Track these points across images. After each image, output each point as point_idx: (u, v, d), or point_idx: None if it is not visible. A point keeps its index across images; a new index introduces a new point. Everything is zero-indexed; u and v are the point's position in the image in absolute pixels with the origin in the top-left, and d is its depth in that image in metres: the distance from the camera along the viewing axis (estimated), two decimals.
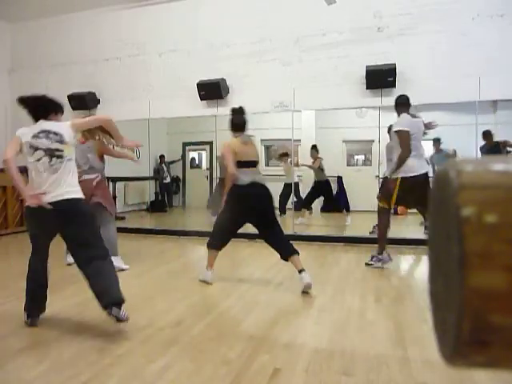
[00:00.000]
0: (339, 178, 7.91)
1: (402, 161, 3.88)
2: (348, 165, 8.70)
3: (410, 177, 3.86)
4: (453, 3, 5.14)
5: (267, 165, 9.24)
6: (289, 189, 6.93)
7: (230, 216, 3.42)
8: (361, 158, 9.05)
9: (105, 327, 2.52)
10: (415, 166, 3.88)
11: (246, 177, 3.27)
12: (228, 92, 6.11)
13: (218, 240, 3.51)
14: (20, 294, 3.18)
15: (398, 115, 4.13)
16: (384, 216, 4.09)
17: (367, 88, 5.36)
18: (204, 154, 9.73)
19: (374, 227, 5.31)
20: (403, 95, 4.27)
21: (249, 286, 3.44)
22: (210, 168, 9.15)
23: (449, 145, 6.69)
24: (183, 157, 9.50)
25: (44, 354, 2.14)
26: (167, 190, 9.22)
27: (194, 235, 5.92)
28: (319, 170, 7.01)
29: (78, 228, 2.42)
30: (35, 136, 2.43)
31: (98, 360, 2.07)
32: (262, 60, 5.97)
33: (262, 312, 2.81)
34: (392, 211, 7.80)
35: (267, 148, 9.45)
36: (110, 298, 2.34)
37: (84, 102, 6.71)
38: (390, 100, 5.38)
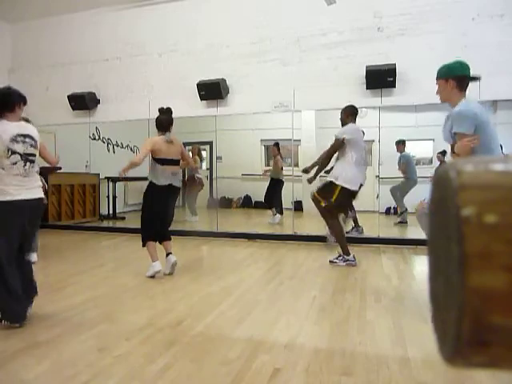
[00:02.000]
0: None
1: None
2: None
3: (350, 189, 4.12)
4: (453, 3, 5.14)
5: (267, 165, 9.24)
6: (276, 185, 7.07)
7: (150, 207, 3.70)
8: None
9: (105, 327, 2.53)
10: (357, 179, 4.14)
11: (164, 179, 3.59)
12: (228, 92, 6.11)
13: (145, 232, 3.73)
14: None
15: (344, 125, 4.27)
16: (334, 222, 4.23)
17: (367, 88, 5.36)
18: (204, 154, 9.73)
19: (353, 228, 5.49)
20: (351, 105, 4.38)
21: (249, 286, 3.44)
22: (210, 168, 9.16)
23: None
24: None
25: (44, 354, 2.14)
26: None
27: (194, 235, 5.93)
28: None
29: (35, 223, 2.72)
30: (13, 140, 2.47)
31: (97, 360, 2.07)
32: (261, 60, 5.97)
33: (261, 312, 2.81)
34: (392, 210, 7.84)
35: (267, 148, 9.45)
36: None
37: (84, 102, 6.72)
38: (390, 100, 5.40)
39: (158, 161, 3.60)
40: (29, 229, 2.60)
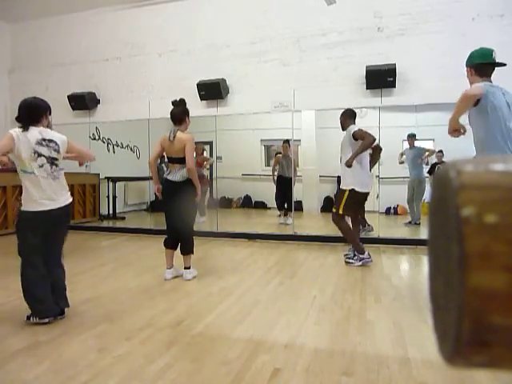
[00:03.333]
0: (339, 178, 7.91)
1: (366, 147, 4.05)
2: None
3: (361, 192, 4.12)
4: (453, 3, 5.14)
5: (267, 165, 9.24)
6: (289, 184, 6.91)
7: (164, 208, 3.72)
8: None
9: (105, 327, 2.53)
10: (367, 184, 4.17)
11: (166, 174, 3.61)
12: (228, 92, 6.11)
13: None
14: (20, 294, 3.18)
15: (345, 129, 4.26)
16: (341, 223, 4.21)
17: (367, 88, 5.36)
18: (204, 154, 9.72)
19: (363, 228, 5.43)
20: (349, 108, 4.39)
21: (249, 286, 3.44)
22: (210, 168, 9.16)
23: (448, 145, 6.69)
24: None
25: (44, 354, 2.14)
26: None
27: (194, 235, 5.92)
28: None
29: (64, 229, 2.77)
30: (38, 143, 2.57)
31: (97, 360, 2.07)
32: (262, 60, 5.97)
33: (261, 312, 2.81)
34: (392, 210, 7.84)
35: (267, 148, 9.45)
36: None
37: (84, 102, 6.72)
38: (390, 100, 5.40)
39: (167, 158, 3.68)
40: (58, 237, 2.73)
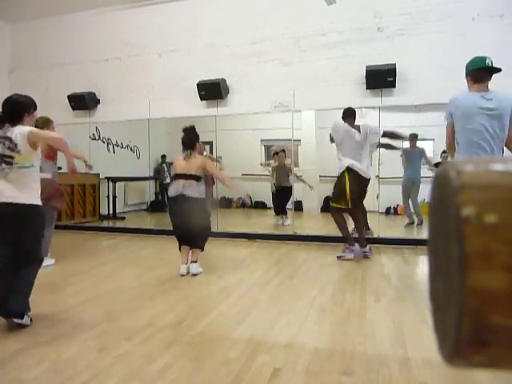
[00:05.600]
0: None
1: None
2: None
3: (360, 174, 4.26)
4: (453, 3, 5.14)
5: (267, 165, 9.24)
6: (288, 193, 6.86)
7: (171, 220, 4.00)
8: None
9: (105, 327, 2.53)
10: (364, 171, 4.31)
11: (174, 191, 3.82)
12: (228, 92, 6.11)
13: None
14: None
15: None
16: (337, 216, 4.40)
17: (367, 88, 5.36)
18: (204, 154, 9.72)
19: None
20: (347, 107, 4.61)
21: (249, 286, 3.44)
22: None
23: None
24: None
25: (44, 354, 2.14)
26: (167, 190, 9.21)
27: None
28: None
29: (19, 231, 2.49)
30: None
31: (97, 360, 2.07)
32: (261, 60, 5.97)
33: (261, 312, 2.81)
34: (392, 210, 7.84)
35: (267, 148, 9.45)
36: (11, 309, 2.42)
37: (84, 102, 6.72)
38: (390, 100, 5.40)
39: (174, 176, 3.97)
40: (14, 237, 2.49)
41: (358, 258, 4.36)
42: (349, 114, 4.51)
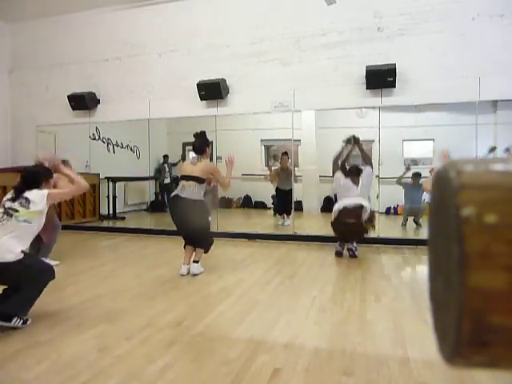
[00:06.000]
0: None
1: None
2: (348, 165, 8.69)
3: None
4: (453, 3, 5.14)
5: (267, 165, 9.24)
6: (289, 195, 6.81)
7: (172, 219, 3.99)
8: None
9: (105, 327, 2.53)
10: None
11: (175, 191, 3.85)
12: (228, 92, 6.11)
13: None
14: None
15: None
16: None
17: (367, 88, 5.36)
18: None
19: None
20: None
21: (249, 286, 3.44)
22: None
23: (448, 145, 6.69)
24: (183, 157, 9.50)
25: (44, 354, 2.14)
26: (167, 190, 9.21)
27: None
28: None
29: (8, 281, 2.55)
30: (9, 199, 2.64)
31: (97, 360, 2.07)
32: (261, 60, 5.97)
33: (261, 312, 2.81)
34: (392, 210, 7.84)
35: (267, 148, 9.45)
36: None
37: (84, 102, 6.71)
38: (390, 100, 5.40)
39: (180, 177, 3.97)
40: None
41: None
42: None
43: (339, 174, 4.72)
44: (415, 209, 6.46)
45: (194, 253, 3.86)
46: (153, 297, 3.16)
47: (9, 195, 2.69)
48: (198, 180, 3.82)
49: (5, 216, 2.58)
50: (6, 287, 2.58)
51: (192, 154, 4.02)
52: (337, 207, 4.51)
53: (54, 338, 2.34)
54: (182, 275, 3.76)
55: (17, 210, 2.58)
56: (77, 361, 2.07)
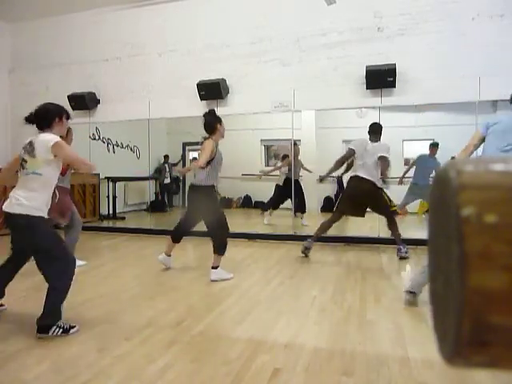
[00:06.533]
0: (339, 178, 7.90)
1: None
2: (348, 165, 8.69)
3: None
4: (453, 3, 5.14)
5: (267, 165, 9.24)
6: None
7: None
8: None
9: (105, 327, 2.53)
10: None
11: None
12: (228, 92, 6.11)
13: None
14: (20, 294, 3.18)
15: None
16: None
17: (367, 88, 5.36)
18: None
19: None
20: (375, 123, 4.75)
21: (249, 286, 3.44)
22: None
23: (448, 145, 6.69)
24: (183, 157, 9.51)
25: (44, 354, 2.14)
26: (167, 190, 9.22)
27: (194, 235, 5.92)
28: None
29: (27, 243, 2.48)
30: (23, 148, 2.53)
31: (97, 360, 2.07)
32: (261, 60, 5.97)
33: (261, 312, 2.81)
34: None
35: (267, 148, 9.45)
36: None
37: (84, 102, 6.71)
38: (390, 100, 5.40)
39: None
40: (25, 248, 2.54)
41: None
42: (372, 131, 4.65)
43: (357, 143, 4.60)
44: (425, 187, 5.92)
45: (215, 258, 3.66)
46: (153, 297, 3.16)
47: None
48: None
49: (20, 169, 2.48)
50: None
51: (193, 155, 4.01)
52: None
53: (54, 338, 2.34)
54: (159, 260, 3.93)
55: (25, 160, 2.46)
56: (77, 361, 2.07)
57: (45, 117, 2.55)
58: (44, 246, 2.43)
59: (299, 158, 6.89)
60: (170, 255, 4.00)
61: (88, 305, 2.96)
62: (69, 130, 3.99)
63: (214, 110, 3.89)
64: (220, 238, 3.67)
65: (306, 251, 4.53)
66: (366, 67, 5.26)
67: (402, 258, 4.43)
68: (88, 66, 6.94)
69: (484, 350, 0.29)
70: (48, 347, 2.23)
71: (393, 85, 5.22)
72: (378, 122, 4.83)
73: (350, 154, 4.60)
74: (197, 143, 9.17)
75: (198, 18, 6.30)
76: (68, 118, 2.72)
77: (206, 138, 3.74)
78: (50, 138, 2.43)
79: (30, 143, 2.47)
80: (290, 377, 1.90)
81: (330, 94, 5.57)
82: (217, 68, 6.09)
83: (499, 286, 0.28)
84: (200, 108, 6.23)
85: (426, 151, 6.68)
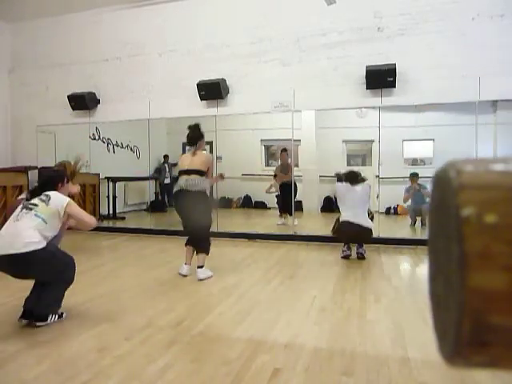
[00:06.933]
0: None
1: None
2: (348, 165, 8.70)
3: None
4: (453, 3, 5.14)
5: (267, 165, 9.24)
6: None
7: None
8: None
9: (105, 327, 2.53)
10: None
11: (177, 186, 3.81)
12: (228, 92, 6.11)
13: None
14: (20, 294, 3.18)
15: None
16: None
17: (367, 88, 5.36)
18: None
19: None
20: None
21: (249, 286, 3.44)
22: None
23: (448, 145, 6.69)
24: None
25: (44, 354, 2.14)
26: (167, 190, 9.22)
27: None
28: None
29: (34, 274, 2.59)
30: (27, 199, 2.69)
31: (97, 360, 2.07)
32: (261, 60, 5.97)
33: (261, 312, 2.81)
34: (392, 210, 7.84)
35: (267, 148, 9.45)
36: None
37: (84, 102, 6.71)
38: (390, 100, 5.40)
39: (178, 172, 3.92)
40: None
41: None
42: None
43: (338, 183, 4.72)
44: (419, 209, 6.41)
45: (197, 257, 3.78)
46: (153, 297, 3.16)
47: (23, 195, 2.70)
48: (199, 173, 3.78)
49: (24, 210, 2.56)
50: (34, 285, 2.63)
51: (188, 148, 4.00)
52: (341, 219, 4.53)
53: (54, 338, 2.34)
54: (182, 275, 3.75)
55: (36, 205, 2.57)
56: (77, 361, 2.07)
57: (49, 182, 2.78)
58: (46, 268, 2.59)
59: (289, 161, 6.97)
60: (189, 264, 3.88)
61: (88, 305, 2.96)
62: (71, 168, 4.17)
63: (198, 125, 4.01)
64: (208, 239, 3.88)
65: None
66: (366, 67, 5.26)
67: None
68: (88, 66, 6.94)
69: (484, 350, 0.29)
70: (48, 347, 2.23)
71: (393, 85, 5.22)
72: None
73: None
74: None
75: (197, 18, 6.30)
76: (68, 181, 2.95)
77: (198, 150, 3.89)
78: (63, 197, 2.69)
79: (45, 195, 2.64)
80: (290, 377, 1.90)
81: (329, 94, 5.57)
82: (217, 68, 6.10)
83: (499, 286, 0.28)
84: (200, 108, 6.24)
85: (427, 151, 6.69)
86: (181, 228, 5.66)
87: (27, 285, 3.35)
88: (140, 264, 4.32)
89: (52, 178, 2.82)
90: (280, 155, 7.14)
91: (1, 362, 2.05)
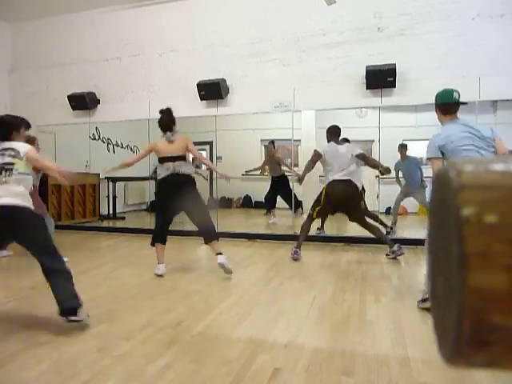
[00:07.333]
0: None
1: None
2: None
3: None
4: (453, 3, 5.14)
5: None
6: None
7: (159, 205, 3.89)
8: None
9: (104, 327, 2.53)
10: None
11: (165, 171, 3.67)
12: (228, 92, 6.11)
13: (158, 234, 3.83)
14: (20, 294, 3.18)
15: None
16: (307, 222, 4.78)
17: (367, 88, 5.36)
18: (204, 154, 9.71)
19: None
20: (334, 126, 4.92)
21: (249, 286, 3.44)
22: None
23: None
24: None
25: (44, 354, 2.14)
26: None
27: (194, 235, 5.92)
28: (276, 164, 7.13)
29: (27, 235, 2.45)
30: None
31: (97, 360, 2.07)
32: (262, 60, 5.97)
33: (261, 312, 2.81)
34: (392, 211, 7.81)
35: (267, 148, 9.45)
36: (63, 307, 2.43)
37: (84, 101, 6.71)
38: (390, 100, 5.40)
39: (159, 160, 3.79)
40: (23, 242, 2.48)
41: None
42: (335, 133, 4.83)
43: (325, 146, 4.72)
44: (412, 187, 5.98)
45: (211, 247, 3.70)
46: (153, 297, 3.16)
47: None
48: (183, 158, 3.71)
49: (3, 173, 2.44)
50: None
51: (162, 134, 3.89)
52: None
53: (54, 338, 2.34)
54: (158, 275, 3.72)
55: (12, 163, 2.46)
56: (77, 361, 2.07)
57: (3, 127, 2.60)
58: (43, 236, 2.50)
59: (276, 156, 7.16)
60: (163, 262, 3.84)
61: (88, 305, 2.96)
62: (33, 140, 4.06)
63: (170, 109, 3.97)
64: (213, 225, 3.86)
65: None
66: (366, 67, 5.26)
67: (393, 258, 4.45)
68: (88, 66, 6.94)
69: (484, 350, 0.29)
70: (48, 347, 2.23)
71: (393, 85, 5.22)
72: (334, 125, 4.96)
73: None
74: (197, 143, 9.16)
75: (197, 18, 6.30)
76: (27, 129, 2.78)
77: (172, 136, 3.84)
78: (25, 144, 2.58)
79: (11, 149, 2.51)
80: (290, 377, 1.90)
81: (329, 94, 5.57)
82: (217, 68, 6.10)
83: (499, 286, 0.28)
84: (200, 108, 6.24)
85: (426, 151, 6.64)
86: (181, 228, 5.67)
87: (27, 285, 3.35)
88: (140, 264, 4.32)
89: (6, 124, 2.62)
90: (267, 148, 7.30)
91: (1, 362, 2.05)
